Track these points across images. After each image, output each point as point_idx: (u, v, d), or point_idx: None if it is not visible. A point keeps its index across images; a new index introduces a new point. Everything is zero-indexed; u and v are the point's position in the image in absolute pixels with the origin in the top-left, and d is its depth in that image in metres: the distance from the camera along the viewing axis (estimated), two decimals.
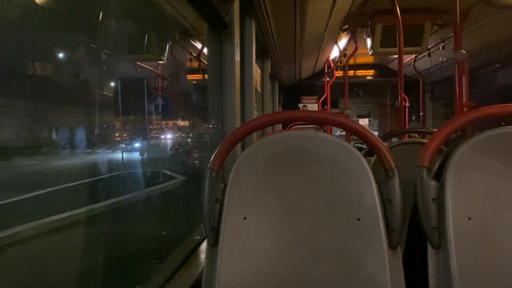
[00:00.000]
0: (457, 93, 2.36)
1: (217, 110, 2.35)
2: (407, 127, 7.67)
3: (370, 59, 10.34)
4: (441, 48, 6.18)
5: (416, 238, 1.12)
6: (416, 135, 3.34)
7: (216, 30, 2.26)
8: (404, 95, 4.66)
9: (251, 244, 1.08)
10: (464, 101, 2.52)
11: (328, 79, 9.10)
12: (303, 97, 11.37)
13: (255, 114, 3.78)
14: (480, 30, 5.25)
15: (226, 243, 1.06)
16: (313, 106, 11.14)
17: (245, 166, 1.12)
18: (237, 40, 2.31)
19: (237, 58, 2.35)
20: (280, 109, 11.22)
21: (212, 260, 1.08)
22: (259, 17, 3.45)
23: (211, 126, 2.39)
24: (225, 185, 1.11)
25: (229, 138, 1.16)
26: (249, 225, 1.09)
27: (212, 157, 1.14)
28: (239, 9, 2.35)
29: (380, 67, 11.14)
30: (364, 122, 15.77)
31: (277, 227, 1.09)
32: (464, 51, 2.31)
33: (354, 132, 1.12)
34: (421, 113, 9.66)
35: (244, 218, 1.09)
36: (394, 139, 3.04)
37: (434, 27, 5.21)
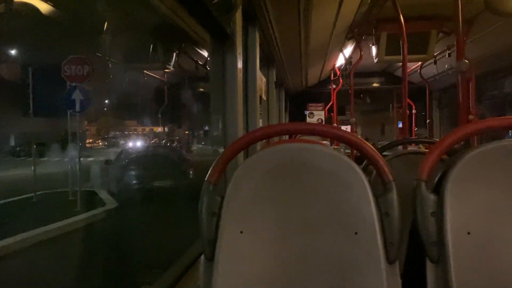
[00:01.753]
0: (461, 103, 2.34)
1: (218, 120, 2.35)
2: (414, 134, 7.63)
3: (376, 67, 10.32)
4: (447, 55, 6.15)
5: (415, 252, 1.11)
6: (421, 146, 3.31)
7: (218, 40, 2.27)
8: (411, 102, 4.64)
9: (248, 258, 1.07)
10: (470, 109, 2.50)
11: (334, 86, 9.09)
12: (310, 105, 11.35)
13: (260, 123, 3.78)
14: (486, 38, 5.22)
15: (222, 257, 1.06)
16: (319, 113, 11.12)
17: (243, 179, 1.12)
18: (239, 49, 2.32)
19: (240, 66, 2.36)
20: (287, 117, 11.21)
21: (208, 274, 1.07)
22: (263, 26, 3.46)
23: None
24: (222, 198, 1.11)
25: (228, 150, 1.16)
26: (246, 238, 1.08)
27: (210, 170, 1.14)
28: (242, 19, 2.36)
29: (386, 74, 11.11)
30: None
31: (274, 241, 1.08)
32: (467, 61, 2.29)
33: (350, 144, 1.12)
34: (427, 121, 9.60)
35: (241, 232, 1.08)
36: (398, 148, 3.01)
37: (440, 34, 5.19)
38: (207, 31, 2.17)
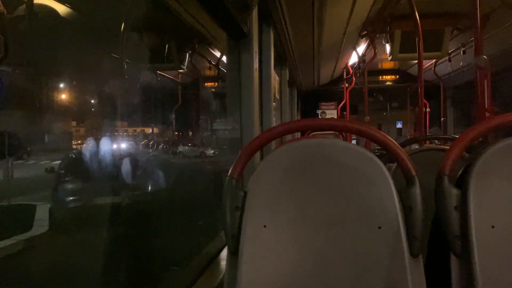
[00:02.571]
0: (479, 99, 2.32)
1: (235, 117, 2.37)
2: (428, 133, 7.57)
3: (389, 65, 10.26)
4: (461, 53, 6.08)
5: (438, 246, 1.11)
6: (437, 142, 3.29)
7: (234, 39, 2.29)
8: (424, 100, 4.61)
9: (271, 252, 1.09)
10: (486, 107, 2.48)
11: (347, 85, 9.05)
12: (322, 103, 11.31)
13: (274, 121, 3.79)
14: (502, 34, 5.16)
15: (246, 251, 1.07)
16: (331, 112, 11.07)
17: (265, 174, 1.13)
18: (255, 48, 2.34)
19: (256, 66, 2.38)
20: (299, 116, 11.19)
21: (232, 268, 1.09)
22: (277, 25, 3.47)
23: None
24: (245, 193, 1.12)
25: (249, 147, 1.17)
26: (270, 233, 1.09)
27: (232, 165, 1.16)
28: (257, 18, 2.38)
29: (400, 73, 11.02)
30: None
31: (297, 236, 1.10)
32: (485, 57, 2.27)
33: (374, 140, 1.12)
34: (442, 119, 9.51)
35: (264, 226, 1.09)
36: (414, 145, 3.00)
37: (455, 31, 5.14)
38: (224, 30, 2.19)
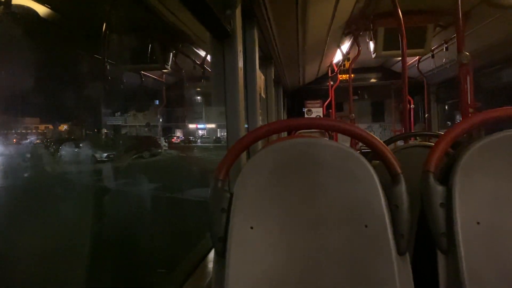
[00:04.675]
0: (462, 95, 2.34)
1: (217, 117, 2.36)
2: (412, 129, 7.64)
3: (373, 62, 10.33)
4: (444, 50, 6.15)
5: (425, 243, 1.12)
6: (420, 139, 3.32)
7: (218, 38, 2.28)
8: (408, 97, 4.65)
9: (259, 254, 1.08)
10: (470, 103, 2.50)
11: (332, 83, 9.10)
12: (308, 102, 11.33)
13: (260, 121, 3.78)
14: (483, 30, 5.23)
15: (233, 253, 1.06)
16: (317, 110, 11.10)
17: (251, 175, 1.12)
18: (240, 47, 2.32)
19: (240, 65, 2.36)
20: (285, 114, 11.21)
21: (220, 270, 1.08)
22: (261, 24, 3.46)
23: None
24: (231, 194, 1.11)
25: (235, 147, 1.16)
26: (257, 234, 1.09)
27: (218, 166, 1.14)
28: (241, 17, 2.37)
29: (384, 70, 11.11)
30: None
31: (284, 236, 1.09)
32: (467, 53, 2.30)
33: (358, 138, 1.12)
34: (426, 115, 9.62)
35: (251, 228, 1.09)
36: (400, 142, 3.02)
37: (437, 28, 5.19)
38: (207, 29, 2.17)
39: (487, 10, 4.18)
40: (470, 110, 2.56)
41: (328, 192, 1.09)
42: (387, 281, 1.01)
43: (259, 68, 3.67)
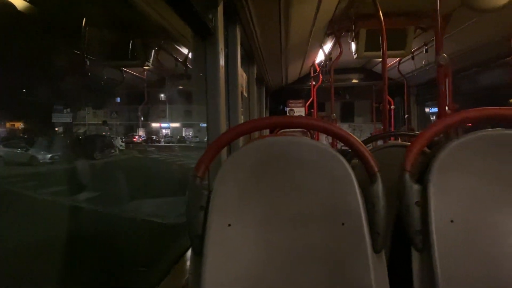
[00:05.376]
0: (440, 96, 2.39)
1: (198, 115, 2.34)
2: (392, 130, 7.75)
3: (355, 63, 10.43)
4: (424, 51, 6.25)
5: (401, 241, 1.13)
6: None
7: (200, 36, 2.26)
8: (389, 98, 4.71)
9: (236, 251, 1.07)
10: (448, 104, 2.54)
11: (314, 83, 9.14)
12: (290, 101, 11.38)
13: (242, 119, 3.78)
14: (463, 33, 5.33)
15: (211, 251, 1.06)
16: (300, 110, 11.16)
17: (230, 173, 1.12)
18: (221, 45, 2.32)
19: (222, 63, 2.36)
20: (267, 113, 11.23)
21: (197, 268, 1.07)
22: (244, 22, 3.46)
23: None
24: (210, 192, 1.11)
25: (214, 144, 1.16)
26: (234, 232, 1.08)
27: (196, 163, 1.14)
28: (223, 15, 2.36)
29: (365, 71, 11.24)
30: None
31: (262, 234, 1.09)
32: (445, 55, 2.34)
33: (337, 137, 1.13)
34: (406, 116, 9.76)
35: (229, 225, 1.08)
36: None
37: (418, 30, 5.27)
38: (189, 27, 2.15)
39: (466, 14, 4.26)
40: (448, 111, 2.60)
41: (306, 190, 1.10)
42: (362, 278, 1.02)
43: (242, 66, 3.67)
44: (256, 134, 4.67)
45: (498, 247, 1.04)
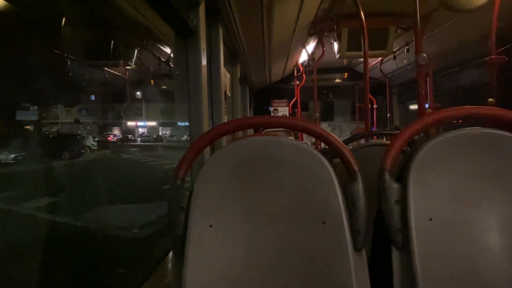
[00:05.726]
0: (420, 95, 2.42)
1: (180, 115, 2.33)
2: (375, 129, 7.82)
3: (338, 63, 10.50)
4: (405, 51, 6.33)
5: (381, 240, 1.14)
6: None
7: (182, 35, 2.25)
8: (372, 97, 4.76)
9: (217, 252, 1.07)
10: (429, 103, 2.58)
11: (297, 82, 9.18)
12: (274, 101, 11.41)
13: (225, 119, 3.77)
14: (442, 33, 5.41)
15: (192, 252, 1.05)
16: (284, 109, 11.19)
17: (211, 173, 1.11)
18: (203, 45, 2.30)
19: (204, 62, 2.34)
20: (252, 113, 11.23)
21: (179, 269, 1.06)
22: (227, 22, 3.45)
23: None
24: (190, 192, 1.10)
25: (195, 145, 1.15)
26: (216, 232, 1.08)
27: (178, 163, 1.13)
28: (205, 15, 2.35)
29: (348, 70, 11.33)
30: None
31: (244, 234, 1.09)
32: (425, 55, 2.37)
33: (317, 136, 1.13)
34: (388, 115, 9.87)
35: (210, 226, 1.08)
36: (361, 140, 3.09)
37: (399, 30, 5.33)
38: (170, 26, 2.14)
39: (445, 14, 4.33)
40: (429, 110, 2.64)
41: (288, 190, 1.10)
42: (343, 277, 1.03)
43: (225, 66, 3.66)
44: (240, 134, 4.67)
45: (476, 244, 1.06)
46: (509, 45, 4.47)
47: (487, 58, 3.21)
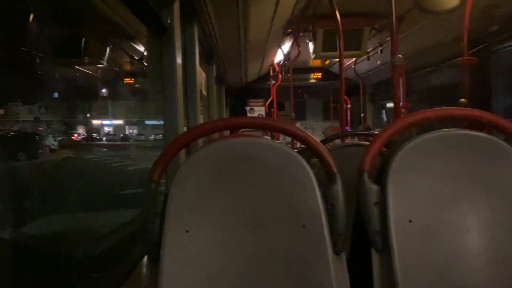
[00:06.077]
0: (395, 96, 2.43)
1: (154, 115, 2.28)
2: (349, 128, 7.91)
3: (314, 63, 10.56)
4: (379, 52, 6.41)
5: (361, 242, 1.13)
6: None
7: (156, 33, 2.20)
8: (345, 97, 4.79)
9: (194, 257, 1.04)
10: (402, 102, 2.60)
11: (273, 82, 9.18)
12: (250, 100, 11.40)
13: (201, 119, 3.72)
14: (416, 34, 5.50)
15: (167, 258, 1.01)
16: (260, 109, 11.19)
17: (188, 176, 1.08)
18: (178, 43, 2.26)
19: (179, 61, 2.30)
20: (228, 112, 11.18)
21: (153, 275, 1.02)
22: (202, 20, 3.41)
23: None
24: (165, 196, 1.06)
25: (171, 147, 1.11)
26: (192, 237, 1.04)
27: (151, 166, 1.09)
28: (181, 13, 2.30)
29: (323, 70, 11.41)
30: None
31: (222, 238, 1.06)
32: (400, 55, 2.39)
33: (294, 137, 1.11)
34: (362, 115, 9.99)
35: (187, 231, 1.04)
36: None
37: (373, 31, 5.39)
38: (143, 23, 2.08)
39: (419, 15, 4.39)
40: (402, 110, 2.66)
41: (266, 192, 1.08)
42: (323, 280, 1.01)
43: (201, 65, 3.61)
44: (216, 134, 4.63)
45: (455, 245, 1.06)
46: (480, 47, 4.58)
47: (459, 59, 3.27)
